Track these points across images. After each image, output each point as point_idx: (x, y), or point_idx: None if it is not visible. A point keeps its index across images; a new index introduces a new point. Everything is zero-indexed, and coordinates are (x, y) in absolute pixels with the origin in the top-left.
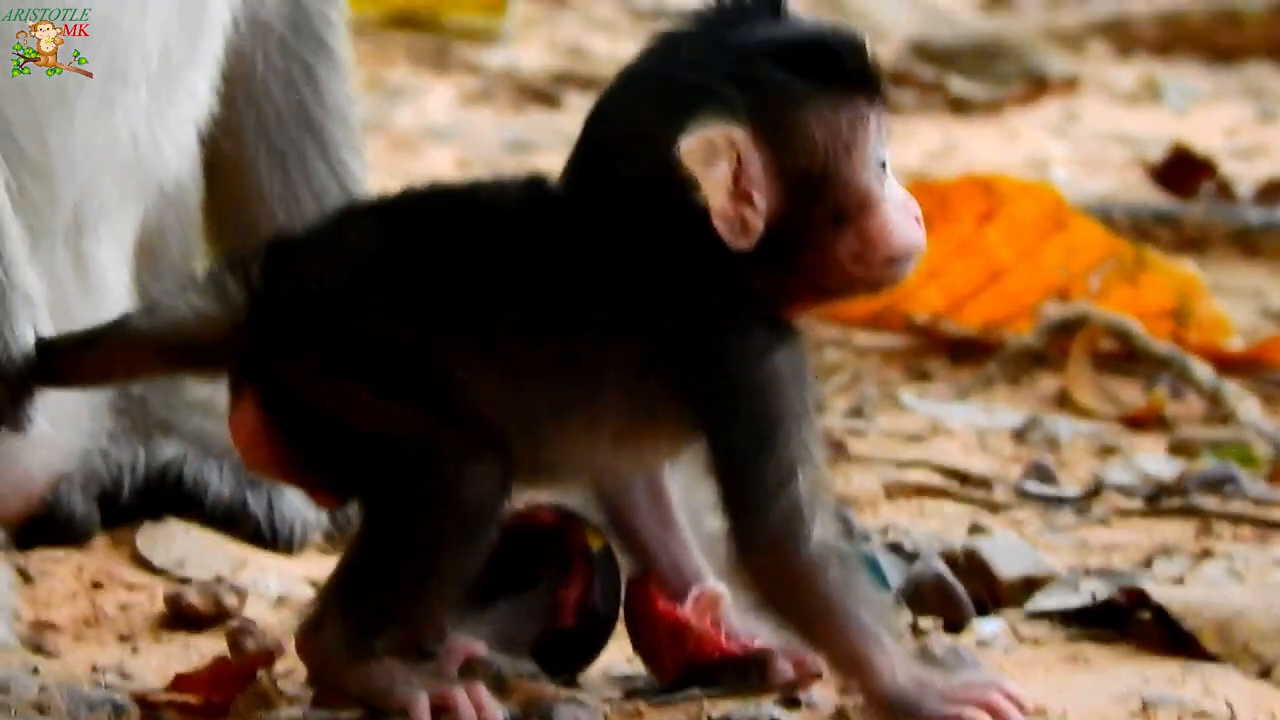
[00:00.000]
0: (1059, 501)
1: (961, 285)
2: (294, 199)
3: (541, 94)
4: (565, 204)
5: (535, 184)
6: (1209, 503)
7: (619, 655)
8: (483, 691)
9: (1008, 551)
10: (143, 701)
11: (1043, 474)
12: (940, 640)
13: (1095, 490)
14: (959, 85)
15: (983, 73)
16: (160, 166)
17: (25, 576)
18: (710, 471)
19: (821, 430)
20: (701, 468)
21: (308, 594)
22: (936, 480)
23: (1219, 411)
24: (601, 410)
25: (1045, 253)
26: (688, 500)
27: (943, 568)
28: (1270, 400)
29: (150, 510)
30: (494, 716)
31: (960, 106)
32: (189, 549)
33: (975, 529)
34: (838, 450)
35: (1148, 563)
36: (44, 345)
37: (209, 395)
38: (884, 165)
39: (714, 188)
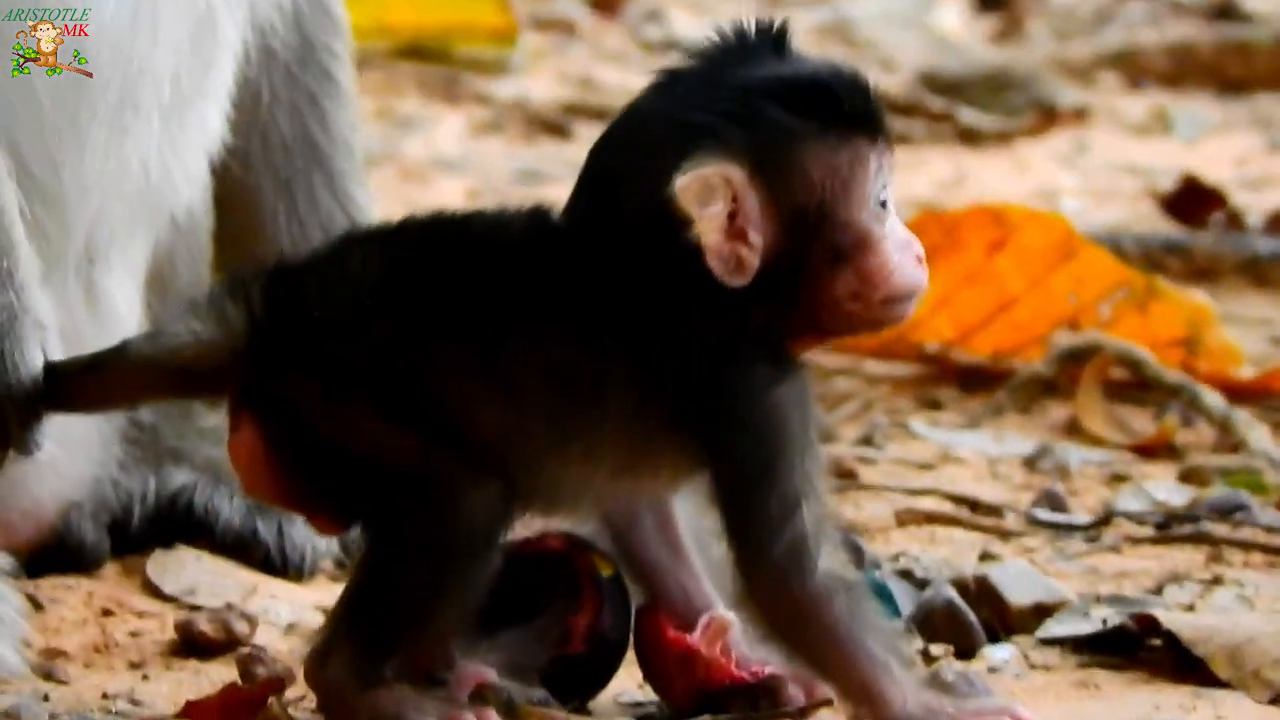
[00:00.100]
0: (1069, 529)
1: (972, 314)
2: (300, 228)
3: (551, 125)
4: (567, 236)
5: (538, 215)
6: (1219, 530)
7: (630, 682)
8: (493, 718)
9: (1019, 578)
10: None
11: (1053, 501)
12: (951, 667)
13: (1106, 518)
14: (969, 116)
15: (993, 103)
16: (171, 195)
17: (36, 604)
18: (714, 505)
19: (826, 461)
20: (706, 499)
21: (318, 621)
22: (947, 508)
23: (1229, 439)
24: (599, 441)
25: (1055, 282)
26: (696, 527)
27: (954, 595)
28: None
29: (161, 538)
30: None
31: (970, 137)
32: (199, 576)
33: (986, 556)
34: (849, 478)
35: (1158, 590)
36: (48, 369)
37: (219, 424)
38: (884, 205)
39: (708, 225)
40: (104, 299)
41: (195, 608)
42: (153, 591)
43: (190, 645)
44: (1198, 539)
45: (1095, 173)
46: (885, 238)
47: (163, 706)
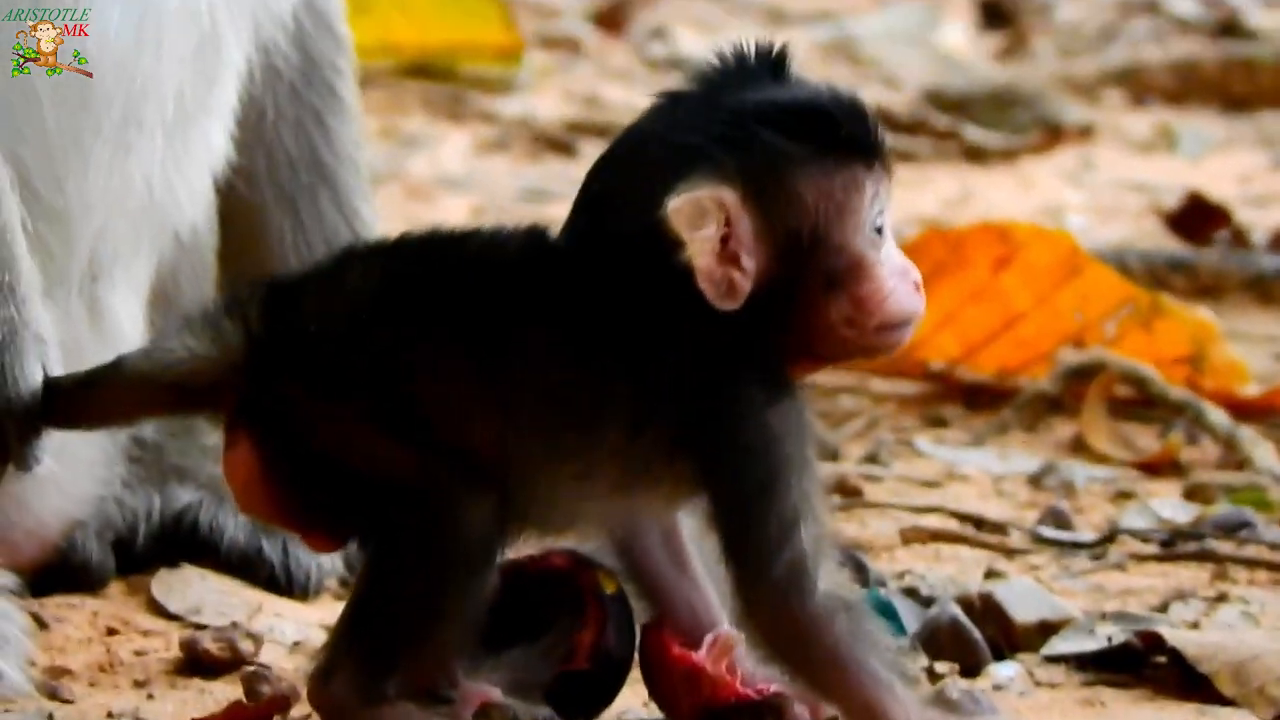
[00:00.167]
0: (1074, 546)
1: (977, 331)
2: (306, 245)
3: (557, 143)
4: (564, 255)
5: (534, 233)
6: (1224, 547)
7: (634, 699)
8: None
9: (1024, 596)
10: None
11: (1058, 519)
12: (956, 685)
13: (1111, 535)
14: (974, 133)
15: (998, 121)
16: (175, 213)
17: (40, 623)
18: (712, 527)
19: (831, 478)
20: (704, 521)
21: (323, 639)
22: (952, 525)
23: (1234, 457)
24: (596, 460)
25: (1061, 299)
26: (702, 544)
27: (959, 612)
28: None
29: (165, 556)
30: None
31: (975, 154)
32: (204, 595)
33: (991, 574)
34: (854, 496)
35: (1163, 607)
36: (45, 385)
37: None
38: (880, 231)
39: (700, 248)
40: (108, 316)
41: (200, 626)
42: (158, 610)
43: (195, 664)
44: (1203, 556)
45: (1100, 190)
46: (880, 264)
47: None
